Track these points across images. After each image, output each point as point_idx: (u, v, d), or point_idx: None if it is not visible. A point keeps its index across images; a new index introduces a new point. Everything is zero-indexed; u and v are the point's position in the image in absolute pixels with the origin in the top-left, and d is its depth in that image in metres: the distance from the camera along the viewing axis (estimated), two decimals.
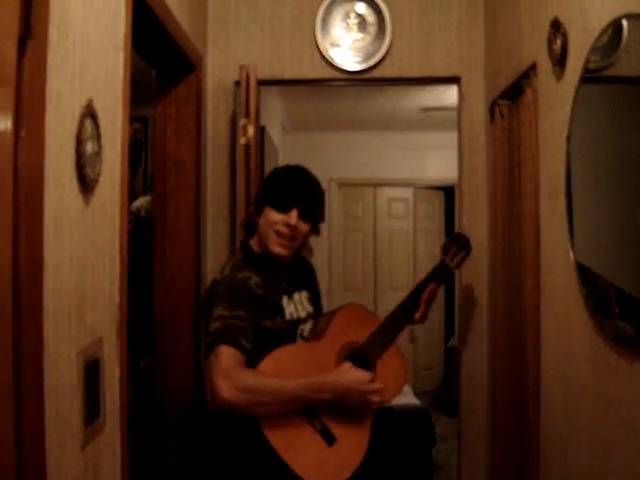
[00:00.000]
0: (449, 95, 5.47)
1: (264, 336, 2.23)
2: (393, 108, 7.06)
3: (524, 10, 3.03)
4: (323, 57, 3.82)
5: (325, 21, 3.79)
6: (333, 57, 3.79)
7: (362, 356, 2.40)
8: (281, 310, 2.36)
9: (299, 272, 2.57)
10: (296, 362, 2.26)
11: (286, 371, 2.20)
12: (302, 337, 2.42)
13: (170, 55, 3.16)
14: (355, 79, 3.88)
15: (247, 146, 3.40)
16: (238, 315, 2.17)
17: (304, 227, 2.37)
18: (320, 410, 2.25)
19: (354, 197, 8.72)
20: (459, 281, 4.04)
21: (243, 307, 2.19)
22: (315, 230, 2.47)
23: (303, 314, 2.46)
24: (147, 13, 2.57)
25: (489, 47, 3.73)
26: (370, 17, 3.79)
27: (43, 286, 1.51)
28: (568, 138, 2.41)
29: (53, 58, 1.56)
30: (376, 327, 2.50)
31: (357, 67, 3.80)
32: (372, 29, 3.78)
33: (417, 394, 6.81)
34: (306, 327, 2.45)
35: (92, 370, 1.80)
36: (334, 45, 3.80)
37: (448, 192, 8.80)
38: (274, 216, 2.33)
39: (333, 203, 8.50)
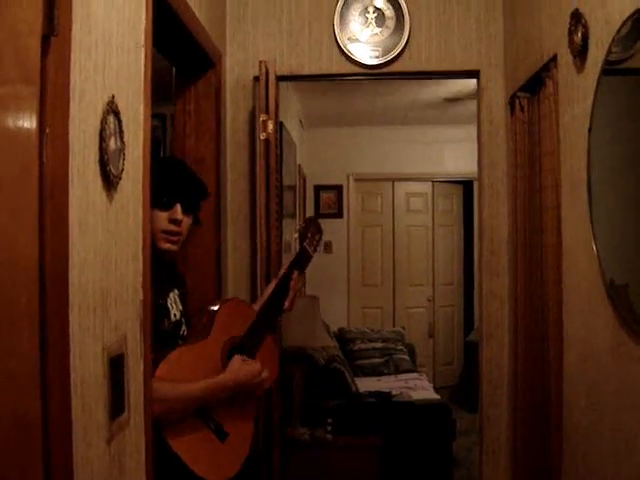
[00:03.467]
0: (469, 85, 5.45)
1: (156, 340, 2.19)
2: (411, 103, 7.04)
3: (544, 2, 3.02)
4: (341, 52, 3.81)
5: (343, 16, 3.78)
6: (351, 52, 3.79)
7: (243, 349, 2.42)
8: (167, 312, 2.34)
9: (172, 271, 2.53)
10: (188, 364, 2.25)
11: (181, 374, 2.20)
12: (181, 338, 2.39)
13: (189, 52, 3.17)
14: (373, 73, 3.87)
15: (267, 141, 3.40)
16: None
17: (188, 220, 2.34)
18: (212, 409, 2.27)
19: (372, 192, 8.71)
20: (479, 275, 4.03)
21: None
22: (196, 222, 2.44)
23: (178, 314, 2.42)
24: (167, 10, 2.58)
25: (508, 40, 3.72)
26: (388, 11, 3.78)
27: (69, 282, 1.52)
28: (589, 130, 2.39)
29: (76, 55, 1.57)
30: (252, 320, 2.51)
31: (375, 61, 3.79)
32: (390, 23, 3.77)
33: (437, 389, 6.83)
34: (183, 327, 2.43)
35: (117, 365, 1.81)
36: (352, 40, 3.79)
37: (467, 186, 8.77)
38: (159, 215, 2.26)
39: (351, 198, 8.50)
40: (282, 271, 2.70)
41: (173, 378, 2.18)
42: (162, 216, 2.27)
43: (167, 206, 2.28)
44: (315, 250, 2.84)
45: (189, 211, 2.34)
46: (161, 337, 2.24)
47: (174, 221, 2.29)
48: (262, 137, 3.41)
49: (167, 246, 2.31)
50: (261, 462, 3.46)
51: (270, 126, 3.41)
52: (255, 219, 3.58)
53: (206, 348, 2.33)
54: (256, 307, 2.63)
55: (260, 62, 3.50)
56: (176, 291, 2.46)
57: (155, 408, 2.09)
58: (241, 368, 2.33)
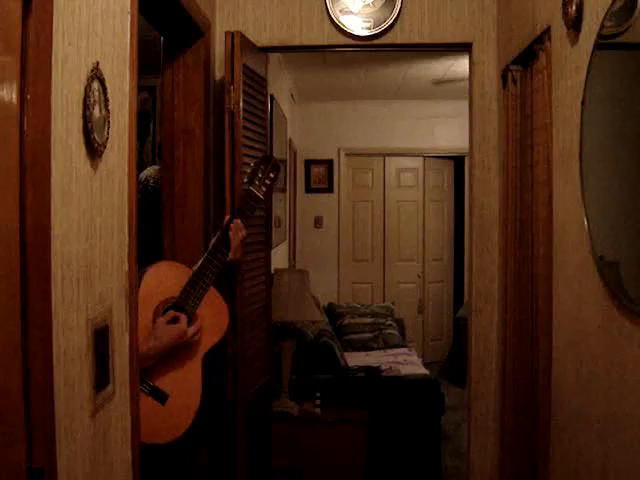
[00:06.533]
0: (460, 66, 5.42)
1: None
2: (403, 77, 6.99)
3: None
4: (333, 23, 3.76)
5: None
6: (343, 23, 3.73)
7: (181, 309, 2.40)
8: None
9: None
10: None
11: None
12: None
13: (178, 21, 3.12)
14: (365, 45, 3.82)
15: (232, 113, 3.29)
16: None
17: None
18: (144, 373, 2.24)
19: (363, 167, 8.68)
20: (469, 251, 4.01)
21: None
22: None
23: None
24: None
25: (501, 12, 3.67)
26: None
27: (51, 252, 1.49)
28: (582, 104, 2.36)
29: (59, 19, 1.53)
30: (187, 279, 2.47)
31: (367, 33, 3.73)
32: None
33: (425, 364, 6.84)
34: None
35: (101, 337, 1.79)
36: (344, 11, 3.74)
37: (458, 161, 8.76)
38: None
39: (342, 173, 8.47)
40: (225, 220, 2.66)
41: None
42: None
43: None
44: (266, 192, 2.72)
45: None
46: None
47: None
48: (229, 108, 3.30)
49: None
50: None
51: (235, 98, 3.30)
52: (224, 192, 3.40)
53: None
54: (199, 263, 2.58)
55: (226, 33, 3.37)
56: None
57: None
58: (164, 332, 2.33)
